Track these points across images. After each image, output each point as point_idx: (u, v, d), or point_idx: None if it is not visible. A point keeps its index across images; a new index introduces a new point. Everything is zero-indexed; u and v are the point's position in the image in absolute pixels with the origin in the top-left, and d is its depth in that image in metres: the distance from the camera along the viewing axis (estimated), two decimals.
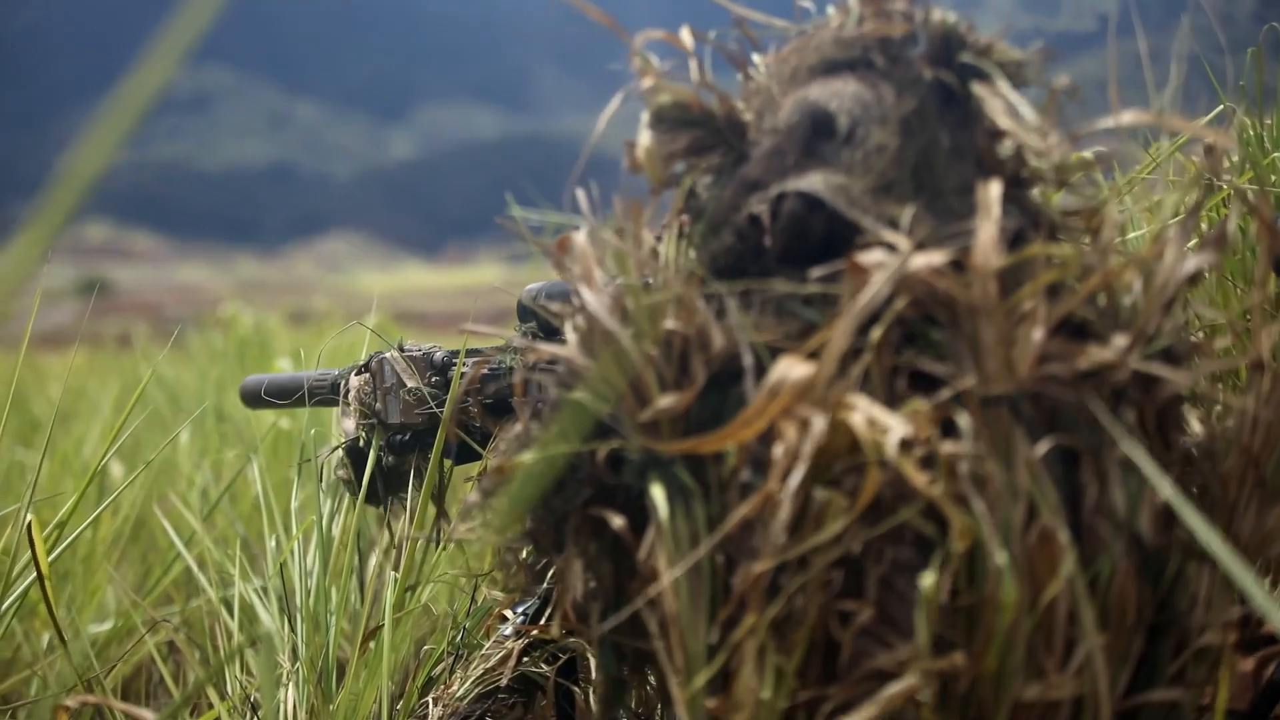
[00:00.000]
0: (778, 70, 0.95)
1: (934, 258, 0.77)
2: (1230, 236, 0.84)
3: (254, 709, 1.64)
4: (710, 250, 0.91)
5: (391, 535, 1.63)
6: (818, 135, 0.88)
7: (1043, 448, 0.75)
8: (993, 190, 0.79)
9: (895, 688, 0.74)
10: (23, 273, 0.47)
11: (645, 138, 0.94)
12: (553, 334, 1.23)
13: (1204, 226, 1.47)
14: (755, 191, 0.89)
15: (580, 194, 0.96)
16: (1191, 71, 1.65)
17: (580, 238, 0.94)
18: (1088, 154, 0.93)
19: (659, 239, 0.94)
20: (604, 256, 0.92)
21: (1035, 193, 0.89)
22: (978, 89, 0.87)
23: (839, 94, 0.88)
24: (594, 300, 0.88)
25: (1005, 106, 0.86)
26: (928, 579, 0.73)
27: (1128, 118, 0.89)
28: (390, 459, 1.59)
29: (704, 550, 0.82)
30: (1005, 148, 0.86)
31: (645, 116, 0.95)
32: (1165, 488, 0.70)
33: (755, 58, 0.98)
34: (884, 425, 0.73)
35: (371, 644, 1.49)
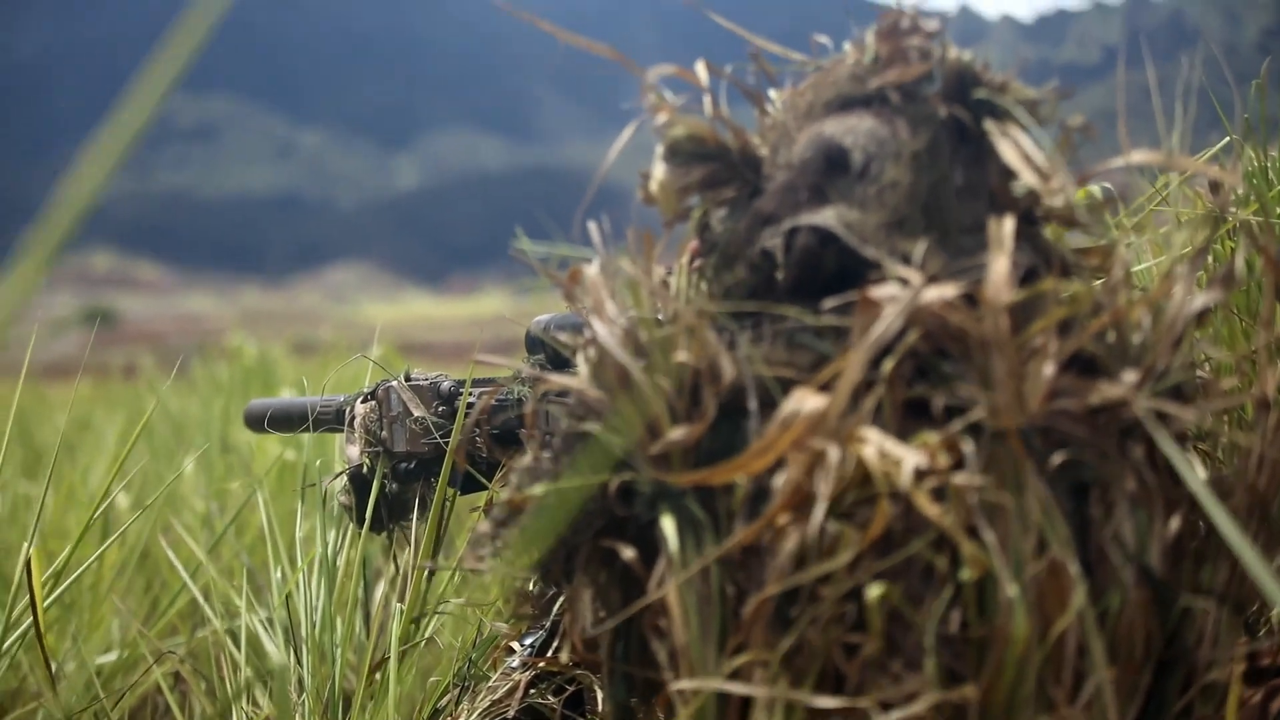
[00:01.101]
0: (793, 105, 0.95)
1: (946, 291, 0.77)
2: (1238, 273, 0.84)
3: None
4: (723, 283, 0.92)
5: (397, 566, 1.63)
6: (832, 170, 0.88)
7: (1037, 475, 0.75)
8: (1005, 226, 0.80)
9: (899, 713, 0.74)
10: (19, 300, 0.47)
11: (659, 170, 0.95)
12: (561, 365, 1.23)
13: (1211, 259, 1.47)
14: (768, 225, 0.89)
15: (591, 226, 0.96)
16: (1196, 103, 1.65)
17: (592, 269, 0.94)
18: (1096, 190, 0.94)
19: (670, 272, 0.95)
20: (616, 288, 0.92)
21: (1046, 231, 0.89)
22: (990, 127, 0.87)
23: (854, 130, 0.89)
24: (606, 332, 0.89)
25: (1015, 147, 0.86)
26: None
27: (1138, 157, 0.90)
28: (394, 487, 1.59)
29: (704, 558, 0.82)
30: (1018, 187, 0.86)
31: (659, 149, 0.95)
32: (1195, 479, 0.70)
33: (771, 93, 0.99)
34: (896, 457, 0.74)
35: (378, 676, 1.49)
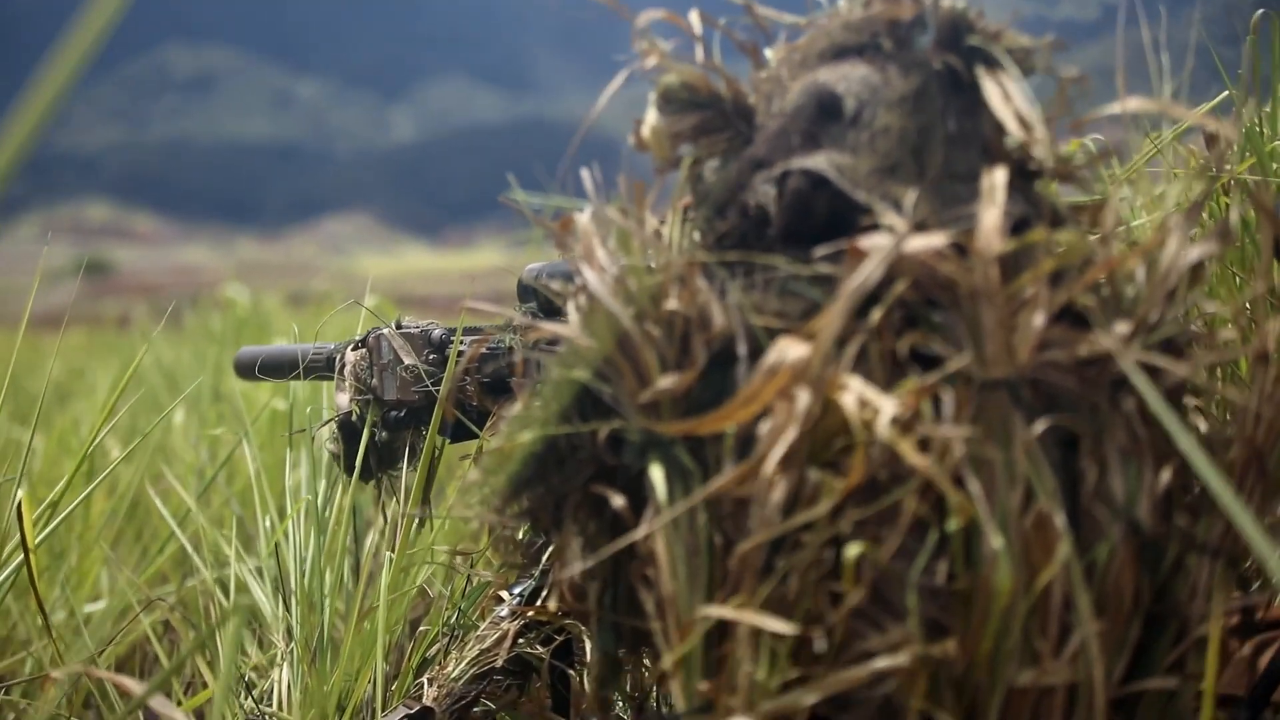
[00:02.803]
0: (787, 58, 0.95)
1: (933, 240, 0.77)
2: (1233, 228, 0.84)
3: (248, 688, 1.64)
4: (714, 230, 0.91)
5: (386, 515, 1.63)
6: (824, 117, 0.88)
7: (1039, 429, 0.75)
8: (998, 176, 0.79)
9: (883, 663, 0.74)
10: None
11: (652, 116, 0.94)
12: (553, 314, 1.23)
13: (1206, 215, 1.46)
14: (760, 170, 0.89)
15: (584, 174, 0.96)
16: (1195, 61, 1.64)
17: (583, 218, 0.94)
18: (1089, 143, 0.93)
19: (662, 221, 0.94)
20: (607, 236, 0.92)
21: (1040, 184, 0.89)
22: (981, 74, 0.86)
23: (846, 77, 0.88)
24: (596, 280, 0.88)
25: (1001, 94, 0.85)
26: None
27: (1133, 105, 0.89)
28: (384, 435, 1.59)
29: (691, 502, 0.82)
30: (1010, 140, 0.86)
31: (652, 96, 0.95)
32: (1183, 435, 0.70)
33: (767, 52, 0.98)
34: (875, 405, 0.73)
35: (366, 624, 1.49)
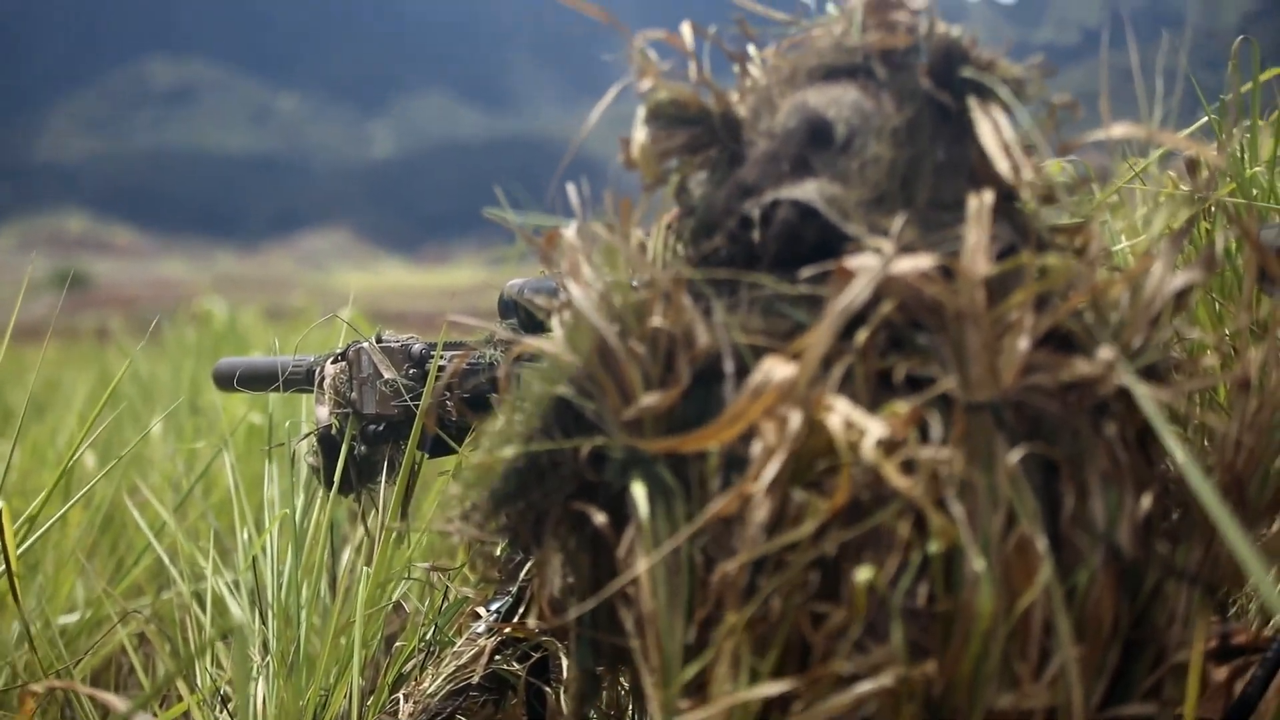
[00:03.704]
0: (775, 69, 0.95)
1: (920, 262, 0.77)
2: (1218, 256, 0.84)
3: (224, 702, 1.63)
4: (700, 250, 0.91)
5: (367, 529, 1.63)
6: (815, 142, 0.88)
7: (1020, 454, 0.75)
8: (984, 200, 0.80)
9: (865, 686, 0.74)
10: None
11: (641, 134, 0.94)
12: (534, 330, 1.23)
13: (1188, 243, 1.47)
14: (749, 196, 0.89)
15: (570, 189, 0.96)
16: (1176, 86, 1.65)
17: (569, 233, 0.94)
18: (1071, 167, 0.94)
19: (648, 235, 0.94)
20: (592, 252, 0.92)
21: (1025, 207, 0.89)
22: (973, 105, 0.87)
23: (838, 102, 0.89)
24: (581, 295, 0.88)
25: (993, 132, 0.86)
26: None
27: (1119, 131, 0.90)
28: (363, 449, 1.59)
29: (679, 541, 0.82)
30: (1000, 166, 0.86)
31: (641, 113, 0.95)
32: (1182, 454, 0.70)
33: (752, 50, 0.98)
34: (861, 426, 0.73)
35: (343, 640, 1.48)
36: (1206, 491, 0.70)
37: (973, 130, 0.87)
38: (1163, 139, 0.92)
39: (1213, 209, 1.42)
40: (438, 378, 1.40)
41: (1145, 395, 0.74)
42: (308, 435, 1.64)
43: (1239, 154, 1.50)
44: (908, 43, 0.89)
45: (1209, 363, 0.89)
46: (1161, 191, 1.54)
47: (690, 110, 0.94)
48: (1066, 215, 0.90)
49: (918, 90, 0.88)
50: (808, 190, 0.85)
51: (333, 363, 1.60)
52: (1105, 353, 0.78)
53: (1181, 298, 0.83)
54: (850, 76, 0.91)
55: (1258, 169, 1.52)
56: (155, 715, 1.67)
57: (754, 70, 0.97)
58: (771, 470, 0.75)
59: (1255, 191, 1.48)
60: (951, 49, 0.89)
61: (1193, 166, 1.26)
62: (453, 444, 1.44)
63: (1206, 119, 1.59)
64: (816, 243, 0.85)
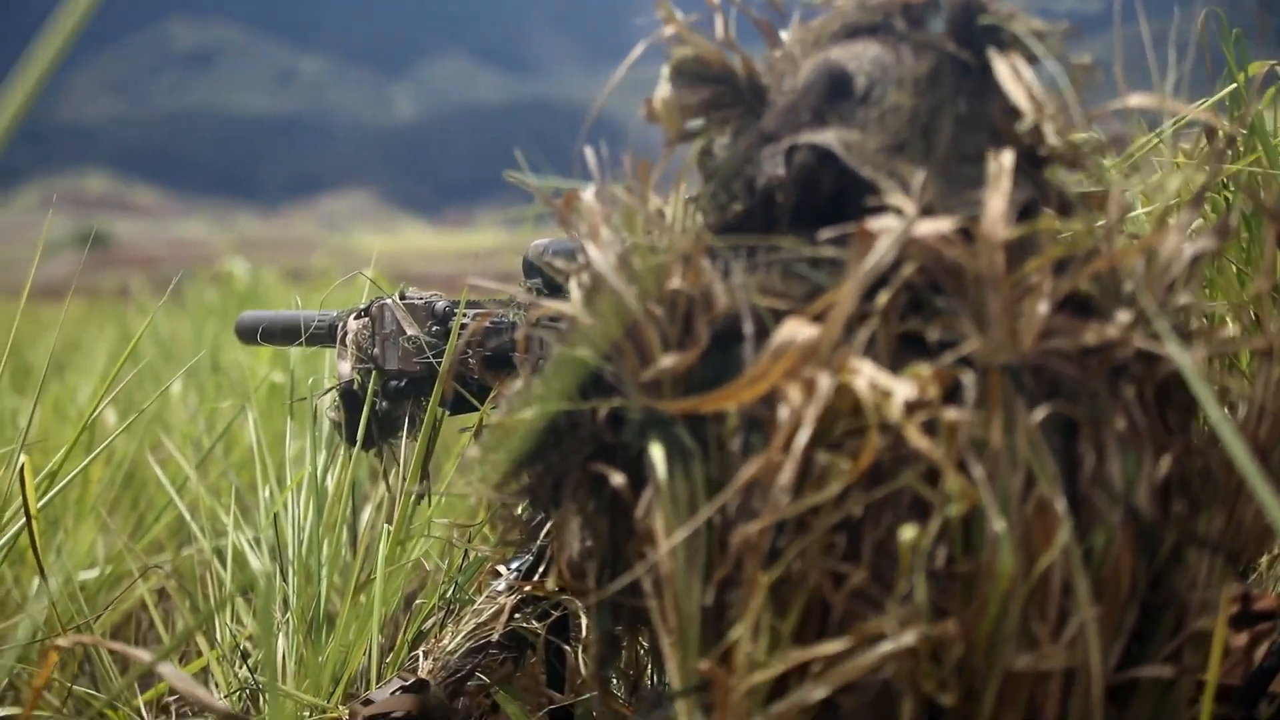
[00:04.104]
0: (801, 38, 0.95)
1: (941, 225, 0.77)
2: (1233, 226, 0.84)
3: (243, 657, 1.65)
4: (720, 208, 0.91)
5: (389, 486, 1.63)
6: (835, 94, 0.88)
7: (1040, 414, 0.75)
8: (1005, 161, 0.79)
9: (887, 646, 0.74)
10: None
11: (664, 89, 0.94)
12: (557, 292, 1.23)
13: (1209, 209, 1.47)
14: (767, 144, 0.89)
15: (588, 152, 0.96)
16: (1197, 56, 1.64)
17: (588, 195, 0.94)
18: (1098, 134, 0.93)
19: (666, 202, 0.94)
20: (611, 214, 0.92)
21: (1046, 170, 0.89)
22: (993, 54, 0.87)
23: (858, 56, 0.89)
24: (600, 257, 0.88)
25: (1012, 71, 0.86)
26: (908, 532, 0.73)
27: (1135, 101, 0.89)
28: (384, 405, 1.59)
29: (705, 514, 0.82)
30: (1022, 123, 0.86)
31: (665, 70, 0.95)
32: (1214, 409, 0.70)
33: (782, 34, 0.98)
34: (887, 388, 0.74)
35: (362, 598, 1.49)
36: (1240, 451, 0.70)
37: (994, 87, 0.87)
38: (1176, 109, 0.91)
39: (1234, 177, 1.42)
40: (460, 336, 1.40)
41: (1183, 357, 0.74)
42: (330, 390, 1.65)
43: (1261, 124, 1.49)
44: None
45: (1230, 329, 0.89)
46: (1175, 160, 1.53)
47: (713, 69, 0.94)
48: (1086, 180, 0.90)
49: (937, 43, 0.88)
50: (826, 136, 0.86)
51: (355, 318, 1.60)
52: (1124, 316, 0.78)
53: (1197, 264, 0.83)
54: (871, 34, 0.91)
55: None
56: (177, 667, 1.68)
57: (782, 43, 0.97)
58: (804, 434, 0.76)
59: None
60: (971, 3, 0.88)
61: (1211, 135, 1.25)
62: (474, 402, 1.44)
63: (1229, 89, 1.58)
64: (834, 193, 0.85)
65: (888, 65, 0.88)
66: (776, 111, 0.90)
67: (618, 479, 0.89)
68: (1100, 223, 0.85)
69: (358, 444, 1.58)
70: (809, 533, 0.77)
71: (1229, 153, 1.40)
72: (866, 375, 0.75)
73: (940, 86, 0.87)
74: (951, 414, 0.74)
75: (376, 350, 1.57)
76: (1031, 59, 0.87)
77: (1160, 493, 0.79)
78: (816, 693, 0.76)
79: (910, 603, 0.75)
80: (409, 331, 1.52)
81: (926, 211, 0.80)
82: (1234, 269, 1.40)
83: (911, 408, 0.74)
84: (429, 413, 1.42)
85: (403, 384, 1.57)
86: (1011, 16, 0.88)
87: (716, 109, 0.95)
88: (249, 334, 1.86)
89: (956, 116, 0.86)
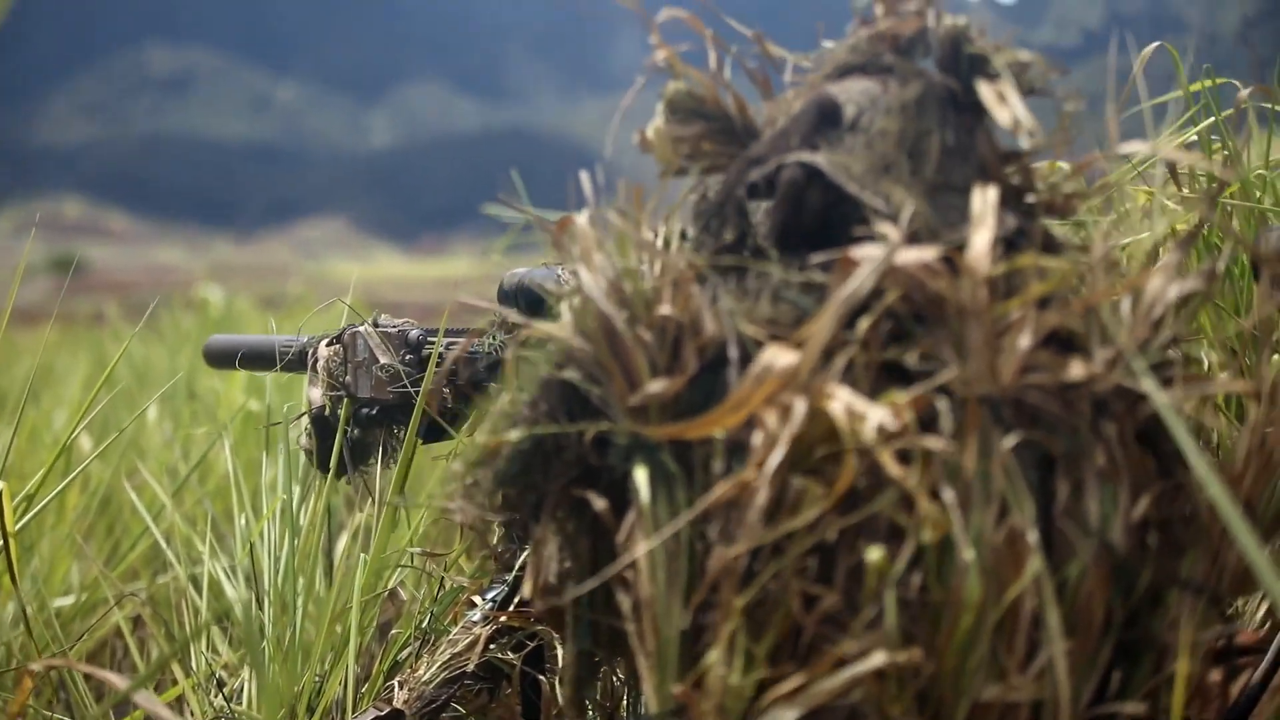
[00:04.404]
0: (795, 85, 0.97)
1: (925, 254, 0.78)
2: (1220, 271, 0.85)
3: (219, 685, 1.64)
4: (711, 235, 0.92)
5: (360, 511, 1.64)
6: (824, 122, 0.90)
7: (1012, 441, 0.76)
8: (990, 195, 0.80)
9: (855, 669, 0.75)
10: None
11: (658, 120, 0.96)
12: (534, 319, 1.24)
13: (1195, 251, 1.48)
14: (756, 166, 0.90)
15: (583, 177, 0.97)
16: (1167, 90, 1.66)
17: (581, 220, 0.95)
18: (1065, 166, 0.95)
19: (661, 227, 0.96)
20: (604, 239, 0.93)
21: (1030, 200, 0.90)
22: (984, 89, 0.88)
23: (848, 89, 0.91)
24: (592, 281, 0.89)
25: (995, 92, 0.87)
26: (874, 553, 0.74)
27: (1130, 147, 0.91)
28: (355, 432, 1.59)
29: (678, 526, 0.83)
30: (1010, 169, 0.87)
31: (661, 104, 0.96)
32: (1190, 448, 0.71)
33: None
34: (862, 413, 0.74)
35: (337, 626, 1.49)
36: (1222, 497, 0.70)
37: (982, 124, 0.89)
38: (1172, 155, 0.92)
39: (1222, 212, 1.43)
40: (439, 365, 1.40)
41: (1160, 396, 0.75)
42: (300, 416, 1.65)
43: (1239, 156, 1.50)
44: (915, 27, 0.91)
45: (1216, 370, 0.89)
46: (1162, 197, 1.55)
47: (708, 106, 0.96)
48: (1072, 220, 0.91)
49: (924, 72, 0.90)
50: (814, 155, 0.87)
51: (327, 345, 1.60)
52: (1105, 353, 0.79)
53: (1183, 303, 0.83)
54: (862, 71, 0.92)
55: (1261, 171, 1.52)
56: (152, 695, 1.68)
57: (775, 89, 0.99)
58: (775, 458, 0.76)
59: (1259, 194, 1.49)
60: (958, 36, 0.90)
61: (1193, 175, 1.27)
62: (449, 429, 1.45)
63: (1207, 122, 1.59)
64: (822, 215, 0.86)
65: (876, 96, 0.89)
66: (766, 139, 0.92)
67: (600, 503, 0.90)
68: (1084, 259, 0.86)
69: (330, 471, 1.58)
70: (783, 557, 0.77)
71: (1213, 191, 1.41)
72: (842, 400, 0.75)
73: (927, 112, 0.88)
74: (927, 442, 0.75)
75: (348, 377, 1.57)
76: (1022, 91, 0.89)
77: (1138, 530, 0.80)
78: (787, 716, 0.77)
79: (878, 627, 0.75)
80: (382, 360, 1.52)
81: (912, 239, 0.81)
82: (1221, 310, 1.41)
83: (887, 434, 0.75)
84: (407, 441, 1.42)
85: (374, 412, 1.58)
86: (996, 49, 0.89)
87: (710, 141, 0.96)
88: (217, 358, 1.86)
89: (944, 145, 0.87)
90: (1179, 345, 0.85)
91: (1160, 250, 0.91)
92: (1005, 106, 0.86)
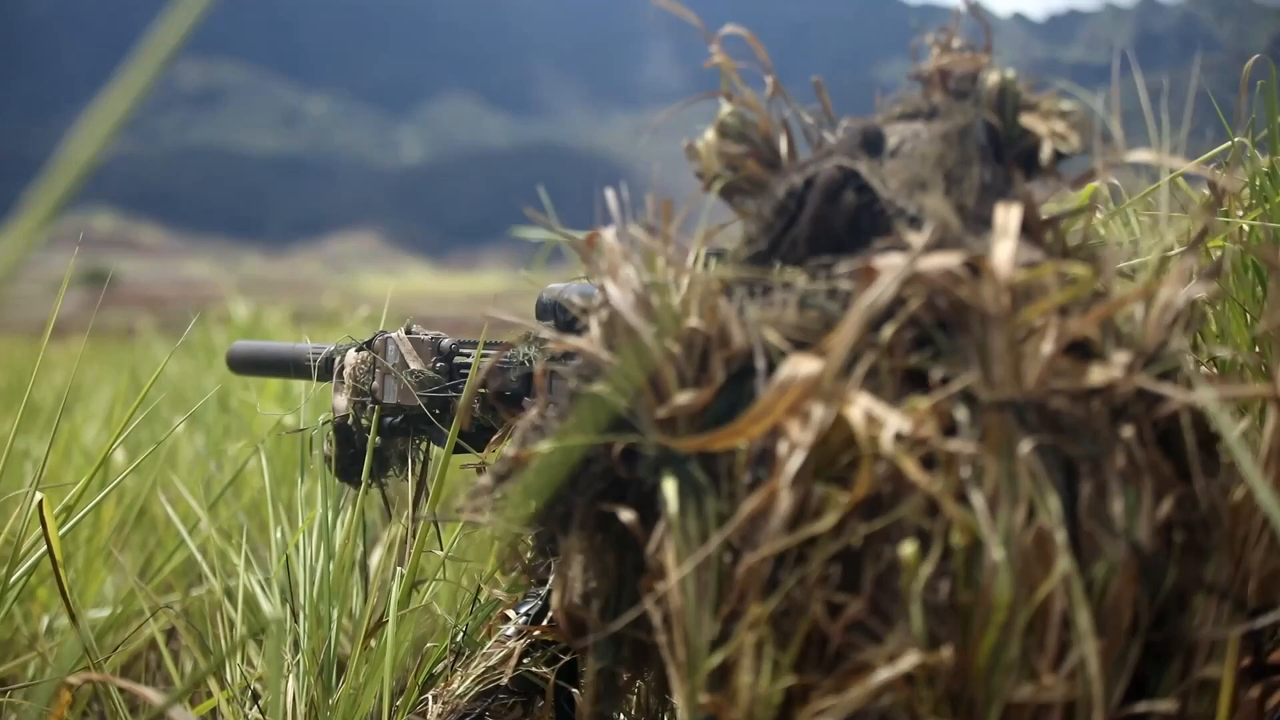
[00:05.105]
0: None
1: (948, 259, 0.79)
2: (1225, 271, 0.86)
3: (254, 698, 1.65)
4: (749, 241, 0.93)
5: (388, 525, 1.64)
6: (867, 146, 0.91)
7: (1034, 444, 0.76)
8: (1013, 212, 0.81)
9: (886, 674, 0.75)
10: (17, 258, 0.48)
11: (710, 135, 0.97)
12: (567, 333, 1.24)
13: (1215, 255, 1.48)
14: (799, 172, 0.91)
15: (609, 194, 0.98)
16: (1204, 107, 1.65)
17: (609, 234, 0.96)
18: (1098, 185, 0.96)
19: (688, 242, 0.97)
20: (631, 253, 0.94)
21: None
22: (1028, 119, 0.89)
23: (894, 127, 0.93)
24: (619, 296, 0.90)
25: (1039, 117, 0.88)
26: (908, 548, 0.75)
27: (1136, 156, 0.91)
28: (378, 440, 1.60)
29: (712, 547, 0.83)
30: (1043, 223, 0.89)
31: (715, 122, 0.98)
32: (1245, 457, 0.72)
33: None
34: (881, 420, 0.75)
35: (373, 641, 1.50)
36: (1265, 492, 0.71)
37: (1016, 171, 0.90)
38: (1173, 163, 0.93)
39: (1242, 230, 1.43)
40: (474, 374, 1.41)
41: (1208, 395, 0.76)
42: (325, 423, 1.66)
43: (1267, 178, 1.50)
44: (972, 66, 0.92)
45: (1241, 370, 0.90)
46: (1175, 212, 1.55)
47: (757, 133, 0.97)
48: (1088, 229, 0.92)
49: (967, 109, 0.91)
50: (854, 162, 0.88)
51: (356, 351, 1.61)
52: (1122, 357, 0.79)
53: (1194, 307, 0.84)
54: (910, 119, 0.94)
55: None
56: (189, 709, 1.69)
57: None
58: (794, 465, 0.77)
59: None
60: (1006, 88, 0.91)
61: (1214, 187, 1.27)
62: (466, 445, 1.45)
63: (1232, 142, 1.59)
64: (853, 216, 0.87)
65: (920, 131, 0.91)
66: (810, 157, 0.93)
67: (628, 516, 0.90)
68: (1100, 268, 0.86)
69: (357, 478, 1.59)
70: (808, 564, 0.78)
71: (1222, 206, 1.41)
72: (862, 407, 0.76)
73: (968, 144, 0.89)
74: (950, 446, 0.75)
75: (375, 384, 1.58)
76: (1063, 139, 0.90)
77: (1163, 530, 0.80)
78: None
79: (907, 630, 0.76)
80: (413, 366, 1.53)
81: (937, 246, 0.82)
82: (1247, 317, 1.41)
83: (911, 441, 0.75)
84: (446, 450, 1.43)
85: (398, 420, 1.58)
86: (1042, 101, 0.91)
87: (753, 163, 0.97)
88: (241, 364, 1.87)
89: (981, 180, 0.88)
90: (1193, 349, 0.86)
91: (1171, 257, 0.91)
92: (1048, 126, 0.88)
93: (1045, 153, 0.89)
